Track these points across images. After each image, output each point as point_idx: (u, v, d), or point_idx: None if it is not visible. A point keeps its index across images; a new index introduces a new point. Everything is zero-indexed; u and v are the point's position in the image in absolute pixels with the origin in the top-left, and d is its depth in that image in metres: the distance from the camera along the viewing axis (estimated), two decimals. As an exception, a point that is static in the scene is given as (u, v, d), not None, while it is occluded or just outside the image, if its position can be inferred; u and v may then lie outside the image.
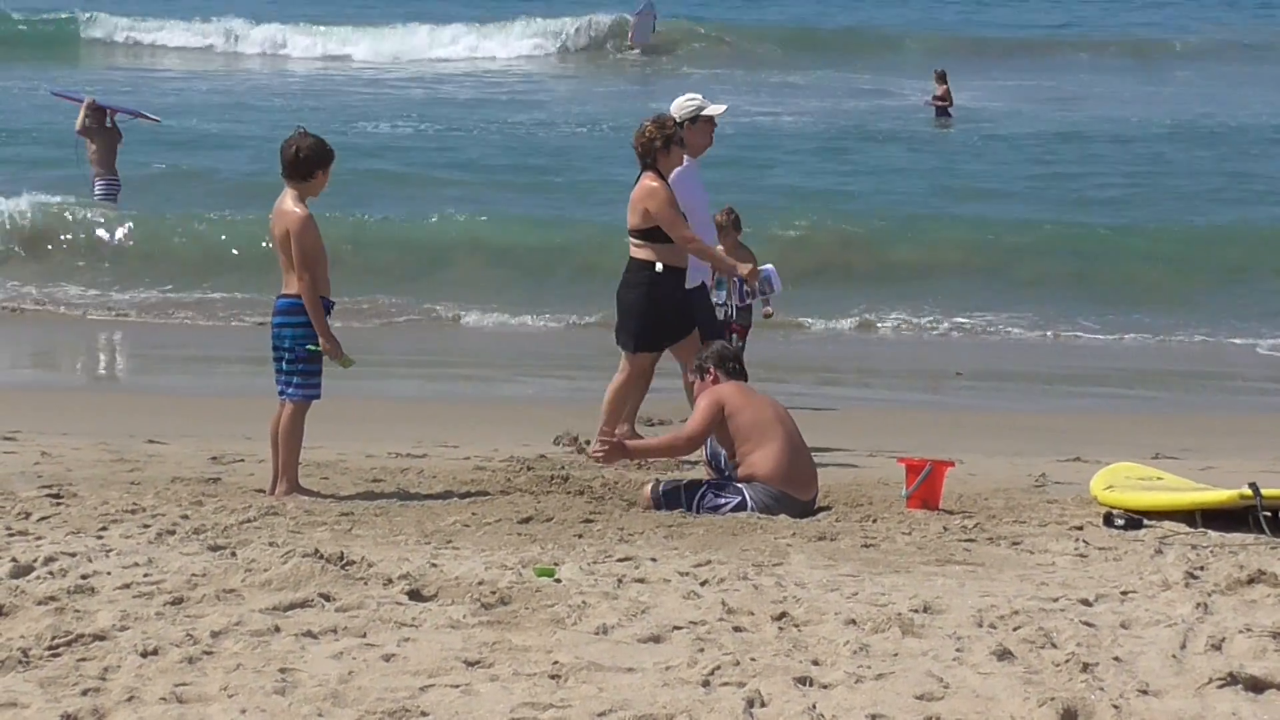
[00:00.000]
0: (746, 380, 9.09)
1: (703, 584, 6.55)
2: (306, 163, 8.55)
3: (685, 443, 8.86)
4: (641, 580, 6.57)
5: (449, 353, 15.86)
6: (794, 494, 8.59)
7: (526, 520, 8.10)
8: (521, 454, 10.24)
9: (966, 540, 7.81)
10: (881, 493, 9.15)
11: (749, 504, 8.50)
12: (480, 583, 6.29)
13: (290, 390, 8.69)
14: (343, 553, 6.58)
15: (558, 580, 6.49)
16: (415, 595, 6.16)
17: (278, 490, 8.67)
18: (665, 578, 6.63)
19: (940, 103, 31.83)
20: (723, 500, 8.54)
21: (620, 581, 6.51)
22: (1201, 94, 34.81)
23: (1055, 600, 6.43)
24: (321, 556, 6.43)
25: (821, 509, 8.73)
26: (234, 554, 6.75)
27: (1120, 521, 8.24)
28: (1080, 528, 8.18)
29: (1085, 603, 6.41)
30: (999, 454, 10.89)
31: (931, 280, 18.87)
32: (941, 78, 32.06)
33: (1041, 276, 19.09)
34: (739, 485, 8.58)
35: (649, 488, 8.72)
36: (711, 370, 9.01)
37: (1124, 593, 6.60)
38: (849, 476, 9.73)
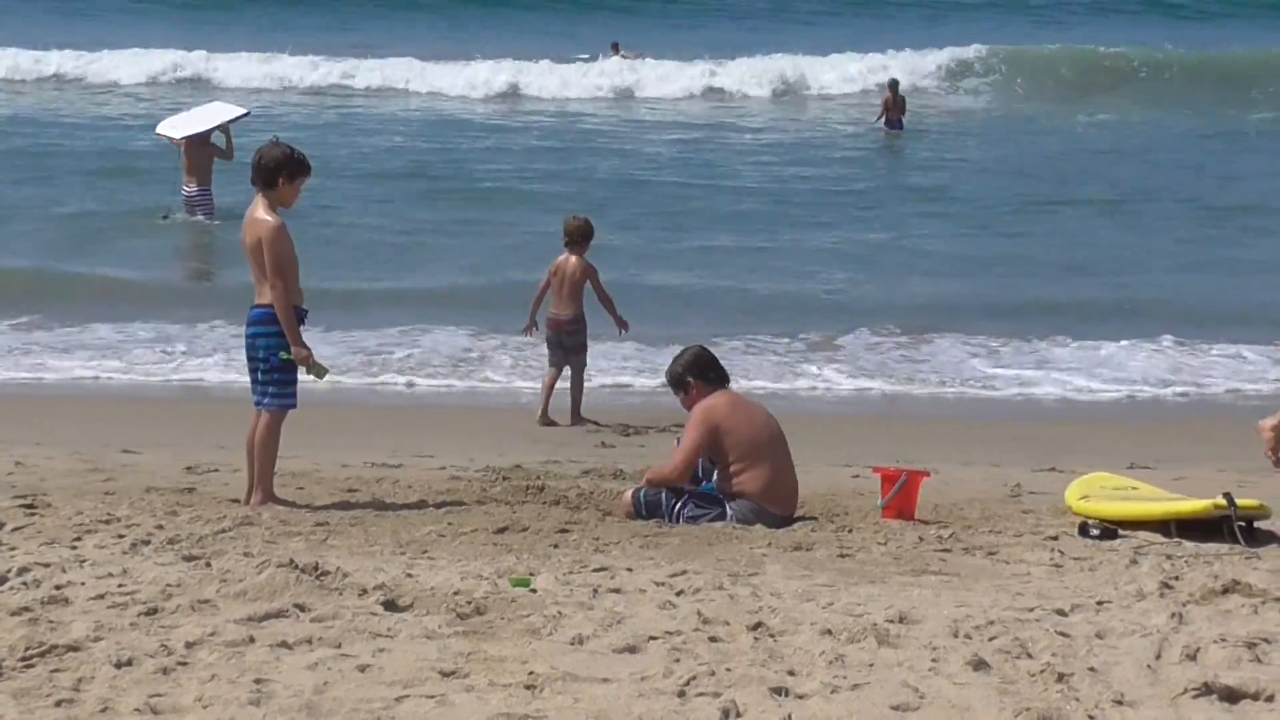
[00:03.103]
0: (728, 383, 8.97)
1: (678, 594, 6.56)
2: (268, 170, 8.53)
3: (678, 473, 8.64)
4: (617, 590, 6.57)
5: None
6: (776, 511, 8.58)
7: (502, 530, 8.09)
8: (497, 464, 10.24)
9: (942, 550, 7.82)
10: (857, 503, 9.16)
11: (729, 516, 8.49)
12: (456, 593, 6.29)
13: (266, 400, 8.68)
14: (318, 563, 6.57)
15: (533, 590, 6.49)
16: (390, 605, 6.15)
17: (253, 500, 8.66)
18: (641, 588, 6.64)
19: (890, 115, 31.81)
20: (702, 512, 8.52)
21: (596, 591, 6.51)
22: None
23: (1031, 610, 6.44)
24: (296, 567, 6.42)
25: (797, 519, 8.73)
26: (209, 564, 6.73)
27: (1095, 532, 8.26)
28: (1055, 538, 8.20)
29: (1060, 613, 6.42)
30: (974, 464, 10.92)
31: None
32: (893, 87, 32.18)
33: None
34: (720, 497, 8.56)
35: (629, 494, 8.70)
36: (692, 382, 8.86)
37: (1099, 603, 6.62)
38: (825, 487, 9.74)
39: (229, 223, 18.82)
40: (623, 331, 12.76)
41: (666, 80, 38.21)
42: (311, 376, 8.70)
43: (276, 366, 8.62)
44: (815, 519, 8.70)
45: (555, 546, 7.71)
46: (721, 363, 9.03)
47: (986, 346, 15.70)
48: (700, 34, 46.90)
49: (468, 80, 37.72)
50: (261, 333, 8.61)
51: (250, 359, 8.73)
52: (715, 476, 8.69)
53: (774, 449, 8.63)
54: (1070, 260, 19.94)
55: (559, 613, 6.08)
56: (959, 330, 16.16)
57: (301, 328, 8.64)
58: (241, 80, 37.49)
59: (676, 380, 8.88)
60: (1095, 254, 20.39)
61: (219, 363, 14.46)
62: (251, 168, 8.61)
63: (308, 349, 8.61)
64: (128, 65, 38.10)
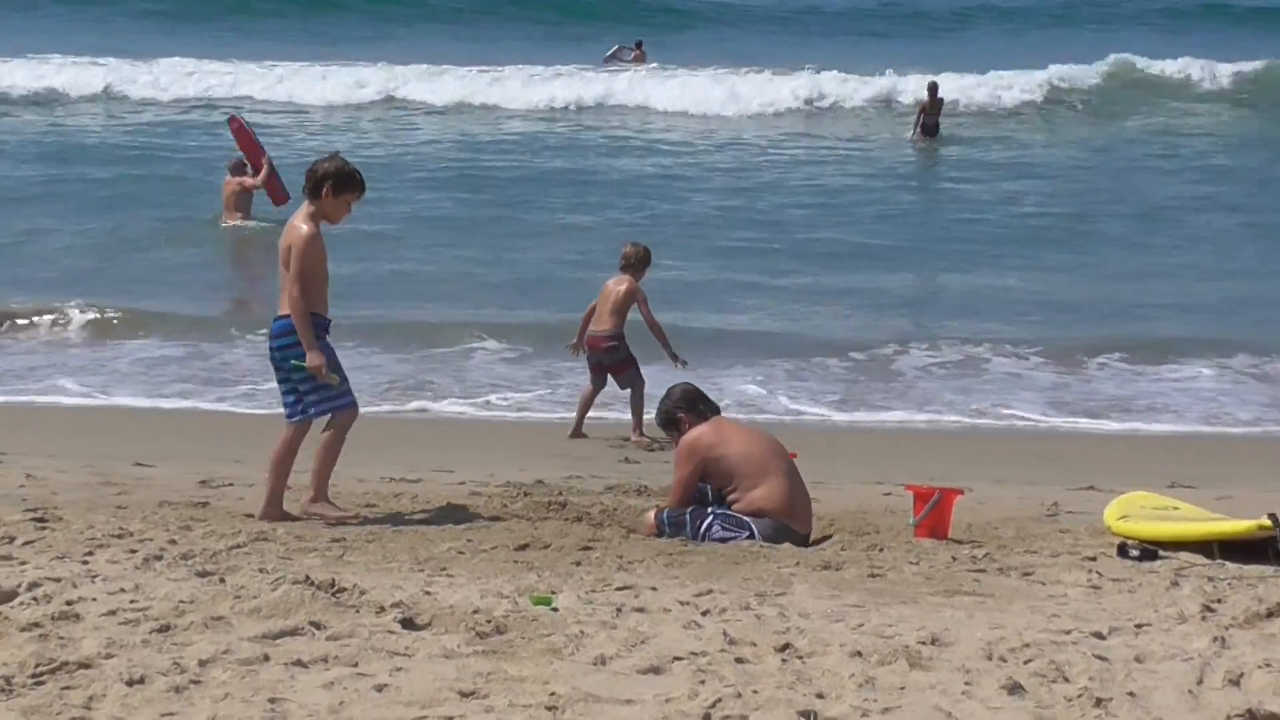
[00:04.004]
0: (719, 412, 9.01)
1: (704, 614, 6.55)
2: (316, 179, 8.65)
3: (675, 507, 8.68)
4: (641, 609, 6.57)
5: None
6: (796, 526, 8.58)
7: (523, 547, 8.10)
8: (518, 479, 10.24)
9: (976, 570, 7.80)
10: (888, 521, 9.14)
11: (756, 536, 8.49)
12: (475, 611, 6.29)
13: (313, 410, 8.75)
14: (334, 579, 6.58)
15: (555, 609, 6.49)
16: (408, 624, 6.15)
17: (304, 500, 8.81)
18: (665, 607, 6.63)
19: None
20: (730, 534, 8.51)
21: (619, 611, 6.51)
22: None
23: (1067, 633, 6.42)
24: (312, 583, 6.43)
25: (824, 538, 8.72)
26: (222, 580, 6.74)
27: (1135, 552, 8.23)
28: (1094, 558, 8.17)
29: (1098, 636, 6.40)
30: (1010, 482, 10.89)
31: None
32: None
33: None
34: (746, 519, 8.56)
35: (652, 514, 8.71)
36: (684, 418, 8.88)
37: (1138, 626, 6.60)
38: (855, 504, 9.72)
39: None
40: (679, 366, 12.74)
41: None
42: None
43: (305, 377, 8.67)
44: (845, 537, 8.68)
45: (577, 564, 7.71)
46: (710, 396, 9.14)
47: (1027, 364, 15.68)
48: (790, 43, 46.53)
49: (548, 95, 37.13)
50: (289, 343, 8.67)
51: (278, 370, 8.81)
52: (728, 504, 8.67)
53: (776, 463, 8.62)
54: (1112, 283, 19.83)
55: (581, 632, 6.07)
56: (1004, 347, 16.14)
57: (326, 337, 8.71)
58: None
59: (668, 419, 8.93)
60: (1137, 275, 20.30)
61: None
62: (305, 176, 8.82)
63: (322, 357, 8.63)
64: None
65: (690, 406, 8.88)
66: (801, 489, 8.69)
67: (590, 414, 12.88)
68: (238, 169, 22.62)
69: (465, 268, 20.06)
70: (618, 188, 26.25)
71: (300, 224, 8.64)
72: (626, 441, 12.49)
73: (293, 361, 8.65)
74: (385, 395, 14.32)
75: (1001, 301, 18.67)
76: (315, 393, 8.73)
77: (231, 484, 9.85)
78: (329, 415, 8.80)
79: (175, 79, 37.73)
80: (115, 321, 16.85)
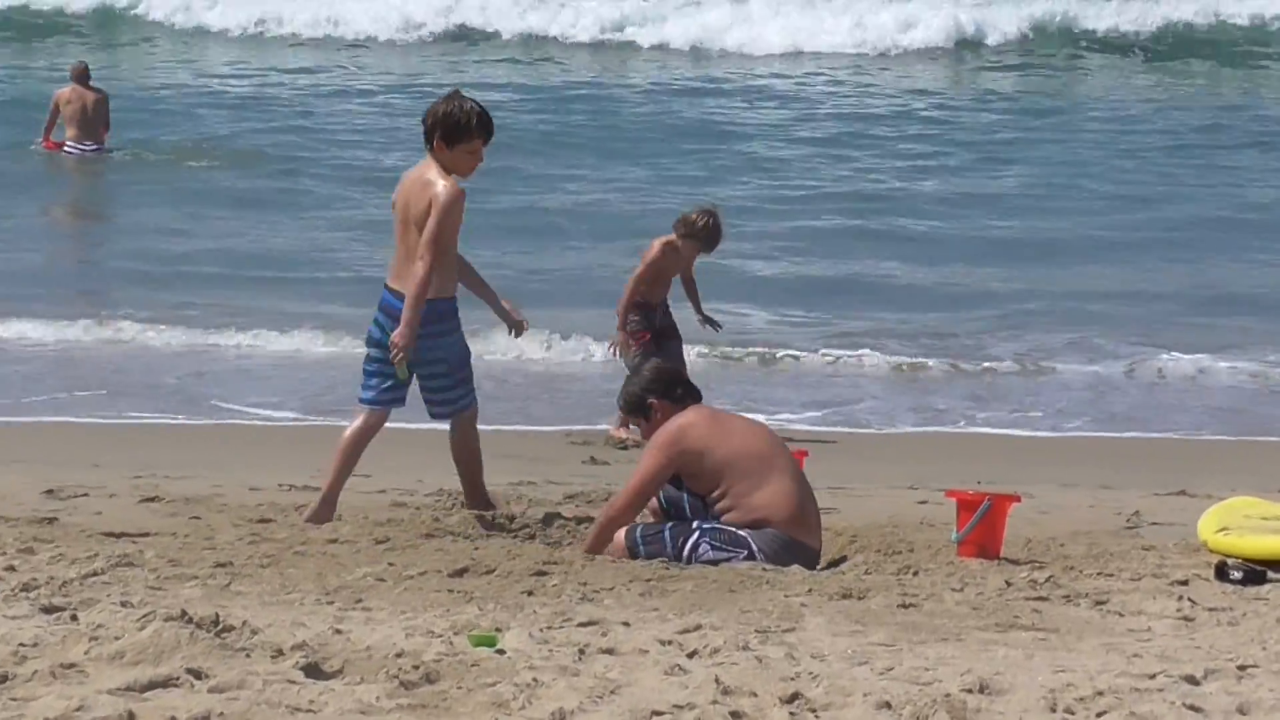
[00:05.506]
0: (700, 398, 9.04)
1: (691, 655, 6.56)
2: (426, 129, 9.08)
3: (622, 511, 8.71)
4: (610, 651, 6.57)
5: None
6: (807, 541, 8.59)
7: (460, 572, 8.10)
8: (454, 486, 10.24)
9: (1036, 598, 7.83)
10: (925, 536, 9.17)
11: (757, 555, 8.50)
12: (399, 654, 6.29)
13: (460, 403, 9.45)
14: (218, 615, 6.57)
15: (500, 651, 6.49)
16: (313, 671, 6.14)
17: (472, 506, 9.51)
18: (642, 648, 6.64)
19: None
20: (725, 555, 8.51)
21: (582, 652, 6.51)
22: None
23: (1152, 677, 6.44)
24: (190, 620, 6.42)
25: (841, 559, 8.75)
26: (75, 617, 6.73)
27: (1237, 574, 8.26)
28: (1185, 582, 8.20)
29: (1191, 680, 6.42)
30: (1079, 485, 10.93)
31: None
32: None
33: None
34: (743, 534, 8.56)
35: (621, 534, 8.72)
36: (655, 404, 8.91)
37: (1241, 667, 6.62)
38: (884, 515, 9.75)
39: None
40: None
41: None
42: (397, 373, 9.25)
43: (458, 364, 9.35)
44: (870, 557, 8.71)
45: (529, 594, 7.72)
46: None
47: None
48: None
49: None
50: (423, 332, 9.13)
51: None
52: (718, 515, 8.67)
53: (779, 461, 8.64)
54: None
55: (534, 680, 6.08)
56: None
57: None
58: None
59: (635, 404, 8.91)
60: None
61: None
62: None
63: (414, 340, 9.05)
64: None
65: (665, 390, 8.88)
66: (809, 490, 8.71)
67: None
68: (81, 76, 22.72)
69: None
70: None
71: (436, 178, 9.01)
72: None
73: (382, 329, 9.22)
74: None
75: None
76: (459, 386, 9.41)
77: (86, 494, 9.83)
78: (374, 408, 9.43)
79: None
80: None
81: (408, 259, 9.08)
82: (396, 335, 9.04)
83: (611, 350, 13.22)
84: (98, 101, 23.58)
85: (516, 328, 9.64)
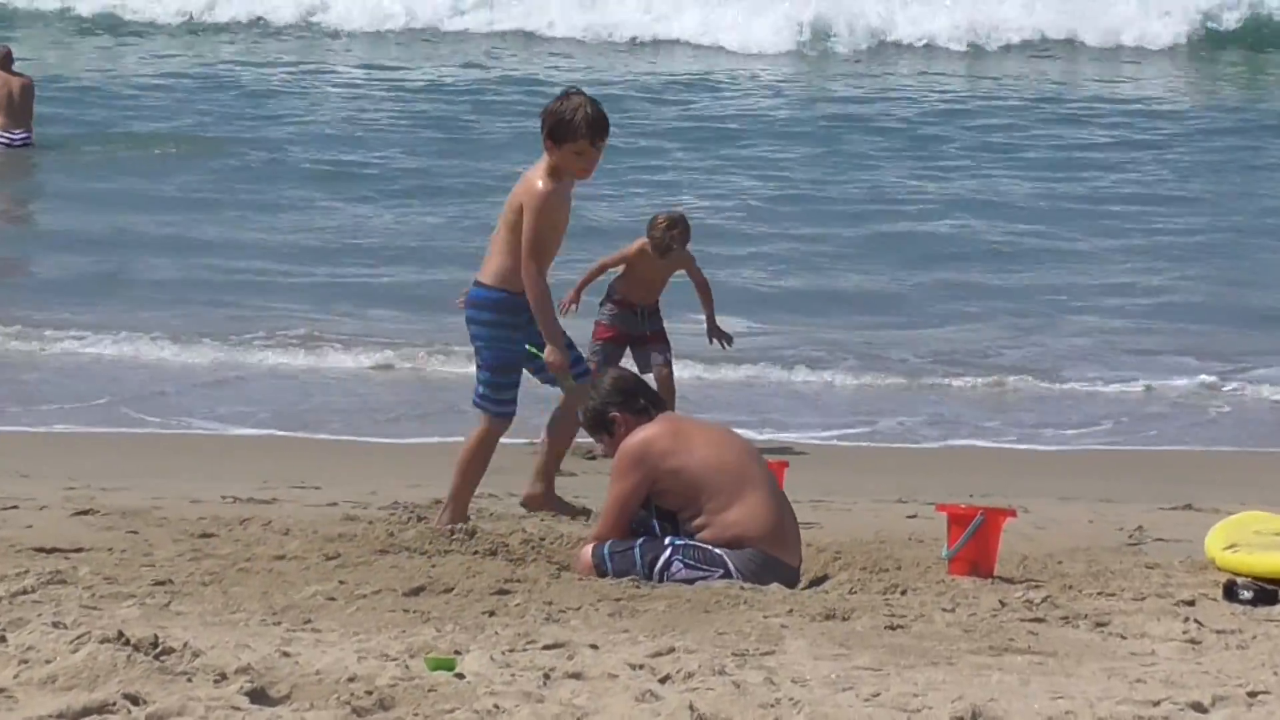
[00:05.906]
0: (665, 408, 9.03)
1: (663, 680, 6.55)
2: (541, 124, 9.20)
3: (608, 538, 8.71)
4: (577, 675, 6.57)
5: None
6: (786, 558, 8.59)
7: (416, 591, 8.09)
8: (409, 498, 10.24)
9: (1032, 620, 7.84)
10: (914, 553, 9.18)
11: (734, 574, 8.50)
12: (351, 679, 6.28)
13: (477, 399, 9.56)
14: (157, 636, 6.55)
15: (459, 675, 6.49)
16: (259, 696, 6.13)
17: (438, 519, 9.43)
18: (611, 672, 6.64)
19: None
20: (700, 574, 8.51)
21: (547, 677, 6.51)
22: None
23: (1156, 704, 6.45)
24: (127, 642, 6.40)
25: (823, 577, 8.75)
26: (3, 639, 6.71)
27: (1247, 594, 8.27)
28: (1192, 603, 8.22)
29: (1198, 708, 6.43)
30: (1078, 499, 10.95)
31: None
32: None
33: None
34: (718, 552, 8.56)
35: (587, 551, 8.71)
36: (618, 417, 8.90)
37: (1251, 694, 6.63)
38: (870, 530, 9.75)
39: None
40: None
41: None
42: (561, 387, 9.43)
43: (490, 363, 9.39)
44: (854, 575, 8.71)
45: (490, 614, 7.71)
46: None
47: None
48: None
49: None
50: (473, 317, 9.39)
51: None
52: (691, 533, 8.67)
53: (755, 472, 8.63)
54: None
55: (495, 706, 6.08)
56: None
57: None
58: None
59: (596, 419, 8.88)
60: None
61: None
62: None
63: (565, 354, 9.24)
64: None
65: (626, 401, 8.85)
66: (788, 504, 8.71)
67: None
68: (5, 61, 22.69)
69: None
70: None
71: (532, 176, 9.23)
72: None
73: (529, 347, 9.33)
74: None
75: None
76: (487, 386, 9.45)
77: (15, 506, 9.81)
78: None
79: None
80: None
81: (492, 252, 9.36)
82: (547, 354, 9.28)
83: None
84: (24, 87, 23.50)
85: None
